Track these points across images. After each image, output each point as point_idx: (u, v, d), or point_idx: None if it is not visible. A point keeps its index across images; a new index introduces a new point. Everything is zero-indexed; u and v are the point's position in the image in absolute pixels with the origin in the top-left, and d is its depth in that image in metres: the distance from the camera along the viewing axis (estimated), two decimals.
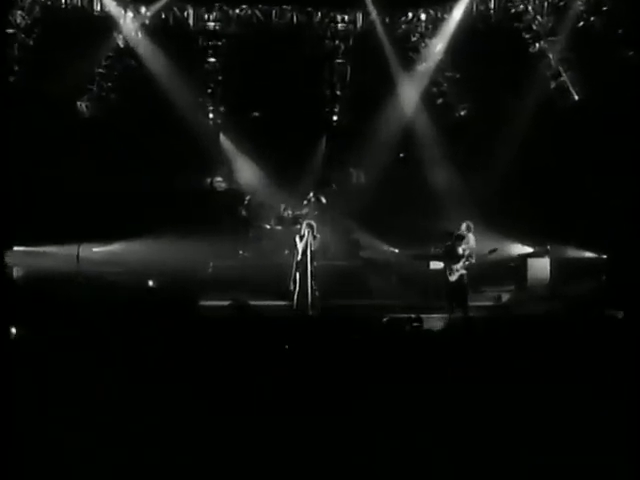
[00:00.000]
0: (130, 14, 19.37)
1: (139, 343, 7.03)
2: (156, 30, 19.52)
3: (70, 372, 6.36)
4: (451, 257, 16.27)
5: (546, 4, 19.09)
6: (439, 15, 19.74)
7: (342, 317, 9.19)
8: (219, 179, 21.39)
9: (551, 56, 19.12)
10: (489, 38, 19.13)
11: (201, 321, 8.55)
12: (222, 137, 21.12)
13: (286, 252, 18.27)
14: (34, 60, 18.53)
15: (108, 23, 19.29)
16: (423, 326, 9.99)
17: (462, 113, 20.28)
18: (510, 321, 9.02)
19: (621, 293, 15.13)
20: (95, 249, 19.06)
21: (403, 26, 20.03)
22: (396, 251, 20.25)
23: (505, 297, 17.08)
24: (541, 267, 18.42)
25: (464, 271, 16.12)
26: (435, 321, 12.69)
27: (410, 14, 19.92)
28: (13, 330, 7.63)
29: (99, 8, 19.06)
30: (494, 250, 16.94)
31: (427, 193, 19.72)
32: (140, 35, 19.55)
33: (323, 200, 20.29)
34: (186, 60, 19.48)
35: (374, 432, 5.92)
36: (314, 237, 16.55)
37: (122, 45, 19.55)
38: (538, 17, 19.08)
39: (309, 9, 19.64)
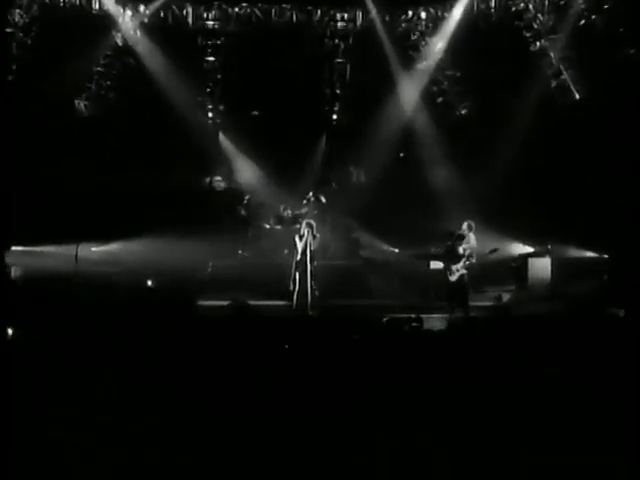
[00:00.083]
0: (129, 12, 19.29)
1: (138, 343, 7.04)
2: (155, 29, 19.45)
3: (70, 372, 6.38)
4: (451, 257, 16.27)
5: (547, 2, 19.09)
6: (439, 13, 19.68)
7: (342, 317, 9.18)
8: (218, 178, 21.36)
9: (552, 55, 19.13)
10: (490, 36, 19.10)
11: (200, 321, 8.59)
12: (221, 136, 21.09)
13: (286, 252, 18.25)
14: (32, 59, 18.50)
15: (107, 21, 19.22)
16: (423, 326, 10.01)
17: (462, 112, 20.21)
18: (511, 321, 9.03)
19: (623, 293, 15.10)
20: (94, 249, 19.06)
21: (403, 24, 19.95)
22: (396, 251, 20.24)
23: (506, 297, 16.99)
24: (542, 267, 18.40)
25: (465, 271, 16.14)
26: (435, 321, 12.78)
27: (410, 12, 19.84)
28: (10, 331, 7.65)
29: (97, 6, 18.99)
30: (495, 250, 16.97)
31: (427, 192, 19.71)
32: (139, 34, 19.48)
33: (323, 199, 20.29)
34: (185, 59, 19.43)
35: (374, 432, 5.93)
36: (314, 237, 16.55)
37: (121, 44, 19.48)
38: (539, 15, 19.08)
39: (309, 7, 19.56)
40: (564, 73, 19.08)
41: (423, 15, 19.83)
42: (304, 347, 7.33)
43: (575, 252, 18.72)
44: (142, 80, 19.25)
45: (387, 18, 19.69)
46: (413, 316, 10.40)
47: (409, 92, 20.31)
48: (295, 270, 16.42)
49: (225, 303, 9.84)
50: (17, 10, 18.36)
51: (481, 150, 19.37)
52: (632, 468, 5.71)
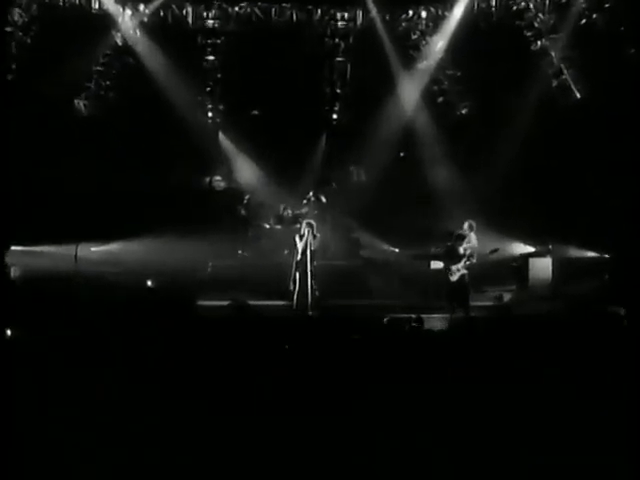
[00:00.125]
0: (128, 12, 19.22)
1: (138, 343, 7.05)
2: (155, 28, 19.39)
3: (70, 372, 6.39)
4: (452, 257, 16.25)
5: (548, 2, 19.07)
6: (440, 13, 19.61)
7: (342, 317, 9.20)
8: (218, 178, 21.33)
9: (553, 54, 19.12)
10: (490, 36, 19.07)
11: (200, 321, 8.62)
12: (221, 136, 21.05)
13: (286, 252, 18.22)
14: (32, 58, 18.47)
15: (106, 21, 19.17)
16: (424, 326, 10.01)
17: (463, 111, 20.18)
18: (511, 321, 9.09)
19: (624, 292, 15.08)
20: (93, 249, 19.02)
21: (403, 24, 19.88)
22: (396, 251, 20.20)
23: (507, 297, 16.96)
24: (543, 267, 18.39)
25: (465, 271, 16.14)
26: (436, 321, 12.79)
27: (410, 11, 19.77)
28: (8, 332, 7.68)
29: (97, 6, 18.94)
30: (495, 250, 16.96)
31: (428, 192, 19.72)
32: (138, 33, 19.41)
33: (323, 199, 20.30)
34: (185, 58, 19.37)
35: (374, 432, 5.94)
36: (314, 236, 16.54)
37: (120, 43, 19.42)
38: (540, 15, 19.06)
39: (309, 7, 19.50)
40: (565, 73, 19.08)
41: (423, 14, 19.76)
42: (304, 347, 7.33)
43: (576, 252, 18.71)
44: (142, 80, 19.21)
45: (387, 17, 19.64)
46: (414, 316, 10.43)
47: (409, 91, 20.28)
48: (295, 270, 16.40)
49: (225, 303, 9.84)
50: (17, 9, 18.31)
51: (482, 150, 19.37)
52: (632, 468, 5.72)
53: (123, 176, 19.15)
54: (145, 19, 19.37)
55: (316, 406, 6.22)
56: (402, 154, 20.76)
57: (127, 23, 19.31)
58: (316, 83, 20.40)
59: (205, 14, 19.40)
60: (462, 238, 16.27)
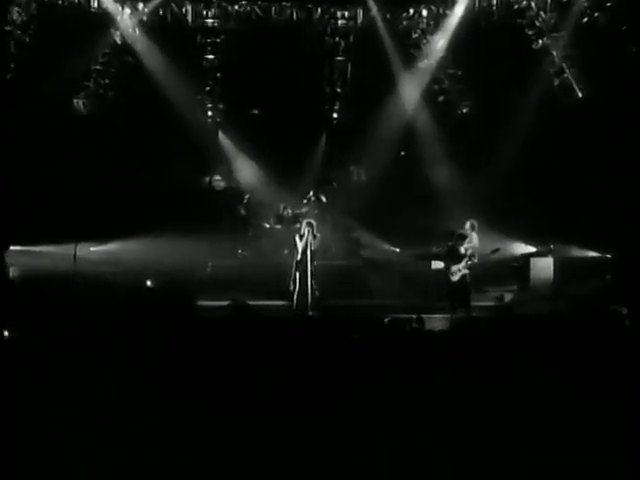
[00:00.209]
0: (127, 10, 19.19)
1: (138, 343, 7.07)
2: (154, 27, 19.37)
3: (70, 372, 6.39)
4: (453, 257, 16.22)
5: (549, 0, 19.04)
6: (441, 11, 19.59)
7: (342, 317, 9.20)
8: (218, 177, 21.32)
9: (554, 53, 19.13)
10: (491, 35, 19.06)
11: (200, 321, 8.63)
12: (221, 135, 21.05)
13: (286, 251, 18.22)
14: (31, 57, 18.44)
15: (105, 20, 19.15)
16: (424, 327, 10.01)
17: (464, 111, 20.19)
18: (513, 321, 9.07)
19: (626, 292, 15.04)
20: (92, 248, 19.01)
21: (404, 22, 19.86)
22: (397, 250, 20.19)
23: (508, 297, 16.97)
24: (544, 267, 18.35)
25: (466, 271, 16.12)
26: (437, 321, 12.77)
27: (411, 10, 19.75)
28: (9, 331, 7.67)
29: (96, 4, 18.91)
30: (497, 250, 16.92)
31: (428, 192, 19.72)
32: (138, 32, 19.38)
33: (323, 199, 20.28)
34: (184, 57, 19.34)
35: (374, 432, 5.93)
36: (314, 236, 16.52)
37: (119, 42, 19.39)
38: (541, 13, 19.04)
39: (309, 5, 19.48)
40: (566, 71, 19.08)
41: (424, 13, 19.73)
42: (304, 347, 7.30)
43: (578, 252, 18.71)
44: (141, 78, 19.18)
45: (388, 16, 19.63)
46: (414, 317, 10.43)
47: (410, 91, 20.26)
48: (295, 270, 16.38)
49: (225, 303, 9.85)
50: (15, 8, 18.27)
51: (482, 149, 19.36)
52: (632, 468, 5.71)
53: (122, 175, 19.12)
54: (144, 18, 19.34)
55: (316, 406, 6.21)
56: (403, 153, 20.73)
57: (126, 22, 19.26)
58: (316, 82, 20.39)
59: (205, 13, 19.35)
60: (463, 238, 16.26)
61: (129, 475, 5.68)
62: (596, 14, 18.48)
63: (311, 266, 16.34)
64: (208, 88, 20.07)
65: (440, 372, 6.70)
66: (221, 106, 20.38)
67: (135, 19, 19.29)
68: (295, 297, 16.25)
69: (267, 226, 20.39)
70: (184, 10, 19.29)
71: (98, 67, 19.42)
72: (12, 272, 16.70)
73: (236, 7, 19.38)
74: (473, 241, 16.25)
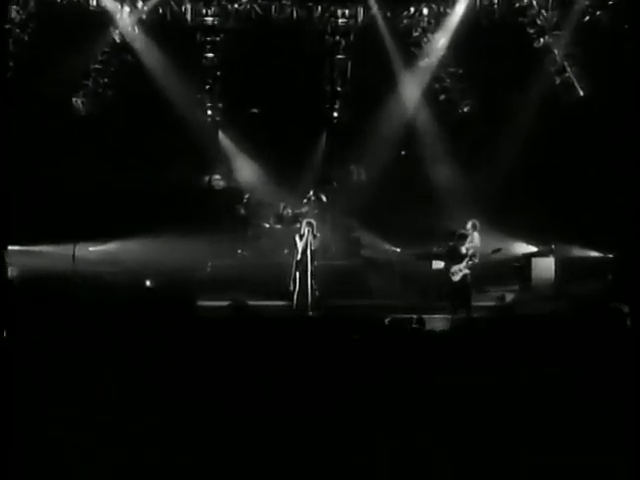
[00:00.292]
0: (127, 9, 19.15)
1: (138, 343, 7.07)
2: (153, 25, 19.33)
3: (70, 372, 6.38)
4: (454, 257, 16.18)
5: None
6: (442, 9, 19.54)
7: (342, 317, 9.17)
8: (217, 177, 21.31)
9: (556, 51, 19.12)
10: (493, 33, 19.04)
11: (200, 321, 8.61)
12: (220, 134, 21.03)
13: (286, 251, 18.20)
14: (29, 56, 18.44)
15: (104, 18, 19.10)
16: (425, 327, 10.02)
17: (465, 109, 20.16)
18: (514, 321, 9.00)
19: (627, 292, 14.98)
20: (91, 248, 19.00)
21: (405, 21, 19.81)
22: (398, 250, 20.16)
23: (509, 297, 16.92)
24: (546, 266, 18.34)
25: (467, 271, 16.10)
26: (437, 322, 12.75)
27: (412, 8, 19.69)
28: (9, 331, 7.67)
29: (95, 3, 18.86)
30: (498, 250, 16.88)
31: (429, 191, 19.72)
32: (137, 30, 19.35)
33: (323, 198, 20.28)
34: (184, 56, 19.31)
35: (374, 432, 5.92)
36: (314, 236, 16.52)
37: (118, 40, 19.36)
38: (543, 11, 19.04)
39: (309, 4, 19.42)
40: (568, 70, 19.09)
41: (425, 11, 19.68)
42: (304, 347, 7.28)
43: (579, 251, 18.73)
44: (140, 77, 19.15)
45: (389, 14, 19.58)
46: (415, 317, 10.42)
47: (411, 89, 20.23)
48: (295, 270, 16.36)
49: (224, 303, 9.82)
50: (14, 6, 18.24)
51: (484, 148, 19.34)
52: (632, 468, 5.70)
53: (121, 175, 19.12)
54: (143, 16, 19.28)
55: (316, 406, 6.19)
56: (403, 152, 20.70)
57: (125, 20, 19.22)
58: (316, 81, 20.36)
59: (204, 11, 19.29)
60: (464, 238, 16.24)
61: (129, 475, 5.67)
62: (598, 12, 18.52)
63: (311, 266, 16.31)
64: (208, 87, 20.03)
65: (441, 372, 6.66)
66: (221, 105, 20.35)
67: (134, 17, 19.24)
68: (295, 297, 16.22)
69: (267, 226, 20.38)
70: (183, 8, 19.25)
71: (97, 66, 19.40)
72: (10, 272, 16.63)
73: (236, 5, 19.32)
74: (474, 241, 16.22)
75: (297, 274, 16.28)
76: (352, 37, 19.79)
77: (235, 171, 21.26)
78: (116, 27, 19.25)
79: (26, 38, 18.46)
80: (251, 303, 10.49)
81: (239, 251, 19.91)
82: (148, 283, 16.26)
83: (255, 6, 19.30)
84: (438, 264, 17.46)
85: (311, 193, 20.06)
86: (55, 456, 5.68)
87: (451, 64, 20.00)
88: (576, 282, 17.31)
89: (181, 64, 19.22)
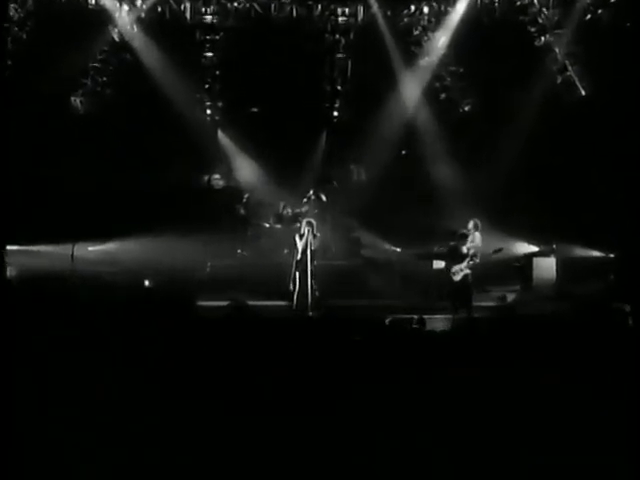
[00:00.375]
0: (125, 7, 19.12)
1: (138, 343, 7.05)
2: (152, 24, 19.28)
3: (70, 372, 6.36)
4: (455, 256, 16.16)
5: None
6: (442, 8, 19.50)
7: (342, 318, 9.11)
8: (217, 176, 21.28)
9: (557, 50, 19.12)
10: (493, 31, 19.02)
11: (199, 321, 8.55)
12: (220, 133, 21.00)
13: (285, 251, 18.19)
14: (27, 54, 18.40)
15: (103, 16, 19.06)
16: (426, 327, 10.02)
17: (466, 108, 20.14)
18: (515, 322, 8.94)
19: (629, 292, 14.95)
20: (90, 248, 18.99)
21: (405, 19, 19.77)
22: (398, 250, 20.15)
23: (510, 297, 16.90)
24: (547, 266, 18.36)
25: (468, 271, 16.10)
26: (438, 322, 12.73)
27: (412, 7, 19.65)
28: (5, 332, 7.52)
29: (94, 1, 18.82)
30: (499, 250, 16.84)
31: (430, 190, 19.68)
32: (136, 29, 19.31)
33: (323, 198, 20.27)
34: (183, 55, 19.28)
35: (374, 432, 5.91)
36: (314, 236, 16.48)
37: (117, 39, 19.33)
38: (544, 10, 19.03)
39: (309, 2, 19.39)
40: (569, 69, 19.11)
41: (426, 10, 19.64)
42: (304, 348, 7.24)
43: (581, 251, 18.76)
44: (139, 76, 19.12)
45: (389, 13, 19.53)
46: (416, 317, 10.41)
47: (411, 88, 20.19)
48: (295, 270, 16.31)
49: (224, 303, 9.74)
50: (12, 5, 18.21)
51: (484, 147, 19.31)
52: (632, 468, 5.68)
53: (120, 174, 19.10)
54: (142, 15, 19.24)
55: (316, 407, 6.18)
56: (404, 152, 20.68)
57: (124, 19, 19.18)
58: (316, 80, 20.33)
59: (203, 9, 19.25)
60: (465, 237, 16.21)
61: (129, 475, 5.66)
62: (599, 11, 18.55)
63: (311, 266, 16.26)
64: (207, 86, 20.00)
65: (441, 373, 6.63)
66: (220, 104, 20.33)
67: (133, 16, 19.19)
68: (295, 297, 16.18)
69: (267, 225, 20.37)
70: (182, 7, 19.22)
71: (96, 65, 19.36)
72: (9, 272, 16.58)
73: (235, 4, 19.28)
74: (476, 241, 16.18)
75: (297, 274, 16.23)
76: (352, 36, 19.75)
77: (235, 170, 21.23)
78: (115, 26, 19.21)
79: (24, 37, 18.45)
80: (251, 303, 10.41)
81: (239, 251, 19.90)
82: (147, 283, 16.24)
83: (254, 4, 19.26)
84: (439, 264, 17.49)
85: (311, 193, 20.05)
86: (55, 456, 5.67)
87: (452, 63, 19.97)
88: (577, 282, 17.31)
89: (180, 63, 19.18)
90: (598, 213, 17.87)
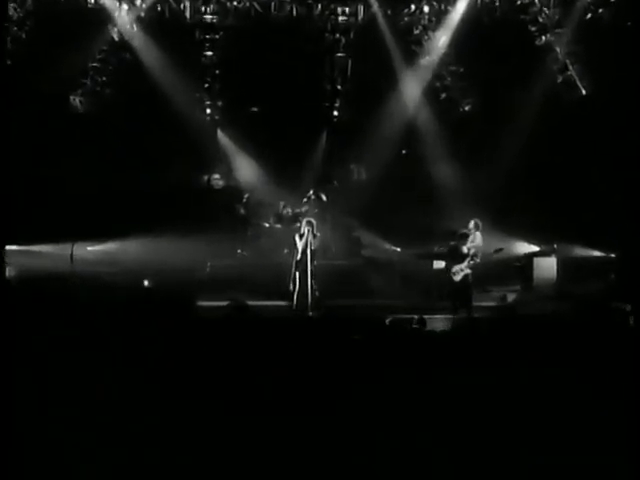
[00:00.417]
0: (125, 6, 19.05)
1: (138, 343, 7.08)
2: (152, 23, 19.23)
3: (70, 372, 6.39)
4: (455, 256, 16.16)
5: None
6: (443, 7, 19.44)
7: (343, 318, 9.15)
8: (217, 176, 21.28)
9: (558, 49, 19.10)
10: (494, 31, 18.99)
11: (199, 322, 8.60)
12: (220, 133, 20.98)
13: (285, 251, 18.18)
14: (27, 54, 18.35)
15: (102, 16, 19.01)
16: (426, 327, 10.03)
17: (466, 108, 20.08)
18: (516, 321, 8.97)
19: (630, 292, 14.93)
20: (89, 248, 19.01)
21: (406, 18, 19.71)
22: (398, 250, 20.18)
23: (511, 297, 16.94)
24: (548, 266, 18.35)
25: (469, 271, 16.10)
26: (438, 322, 12.73)
27: (413, 6, 19.58)
28: (5, 332, 7.55)
29: (93, 0, 18.80)
30: (500, 250, 16.84)
31: (430, 190, 19.68)
32: (135, 28, 19.26)
33: (323, 197, 20.25)
34: (182, 54, 19.24)
35: (374, 432, 5.92)
36: (314, 235, 16.46)
37: (117, 38, 19.28)
38: (544, 9, 18.99)
39: (309, 1, 19.33)
40: (570, 68, 19.09)
41: (426, 9, 19.58)
42: (304, 348, 7.26)
43: (581, 251, 18.79)
44: (138, 76, 19.09)
45: (389, 12, 19.46)
46: (416, 317, 10.41)
47: (412, 88, 20.16)
48: (295, 270, 16.29)
49: (224, 303, 9.77)
50: (12, 4, 18.17)
51: (485, 147, 19.30)
52: (632, 468, 5.70)
53: (119, 174, 19.12)
54: (142, 14, 19.17)
55: (316, 407, 6.20)
56: (404, 151, 20.69)
57: (124, 18, 19.11)
58: (316, 79, 20.30)
59: (203, 9, 19.17)
60: (465, 237, 16.21)
61: (129, 475, 5.68)
62: (600, 10, 18.54)
63: (311, 266, 16.24)
64: (207, 85, 19.93)
65: (441, 373, 6.65)
66: (220, 104, 20.27)
67: (133, 15, 19.13)
68: (295, 297, 16.15)
69: (267, 225, 20.36)
70: (182, 6, 19.15)
71: (95, 64, 19.31)
72: (9, 272, 16.57)
73: (235, 3, 19.21)
74: (476, 240, 16.18)
75: (297, 274, 16.21)
76: (352, 35, 19.69)
77: (234, 170, 21.22)
78: (114, 25, 19.16)
79: (24, 36, 18.40)
80: (251, 303, 10.32)
81: (239, 251, 19.90)
82: (146, 283, 16.25)
83: (254, 4, 19.20)
84: (439, 264, 17.48)
85: (311, 192, 20.04)
86: (55, 456, 5.68)
87: (452, 62, 19.93)
88: (578, 282, 17.33)
89: (180, 62, 19.15)
90: (598, 213, 17.89)
